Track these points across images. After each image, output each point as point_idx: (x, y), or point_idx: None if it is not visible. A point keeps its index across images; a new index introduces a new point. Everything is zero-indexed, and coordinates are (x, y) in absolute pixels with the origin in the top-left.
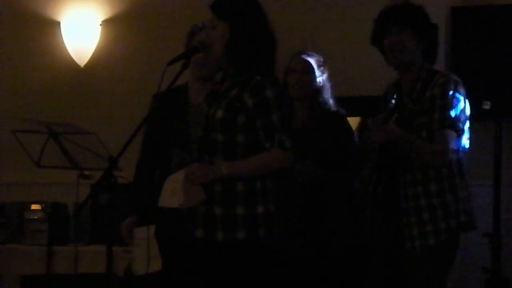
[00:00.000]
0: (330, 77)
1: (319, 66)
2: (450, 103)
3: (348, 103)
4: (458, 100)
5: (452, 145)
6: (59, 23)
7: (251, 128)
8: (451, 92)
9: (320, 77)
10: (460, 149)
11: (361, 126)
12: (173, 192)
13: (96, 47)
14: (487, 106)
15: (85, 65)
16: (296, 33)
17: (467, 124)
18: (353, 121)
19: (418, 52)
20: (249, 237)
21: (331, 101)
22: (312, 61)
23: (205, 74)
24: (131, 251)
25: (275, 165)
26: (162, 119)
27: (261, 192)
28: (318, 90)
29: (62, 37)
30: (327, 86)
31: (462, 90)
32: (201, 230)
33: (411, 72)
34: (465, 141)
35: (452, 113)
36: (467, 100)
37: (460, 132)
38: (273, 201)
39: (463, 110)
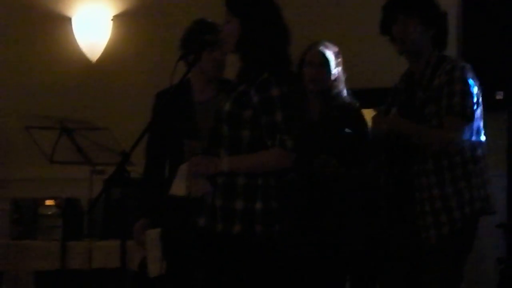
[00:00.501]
0: (345, 69)
1: (336, 57)
2: (457, 90)
3: (362, 95)
4: (465, 86)
5: (461, 132)
6: (70, 19)
7: (257, 124)
8: (457, 78)
9: (336, 69)
10: (473, 135)
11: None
12: (181, 181)
13: (108, 42)
14: (500, 96)
15: (97, 61)
16: (308, 25)
17: (479, 112)
18: (368, 113)
19: (427, 39)
20: (244, 231)
21: (345, 93)
22: (329, 53)
23: (211, 75)
24: (145, 252)
25: (275, 164)
26: (168, 117)
27: (262, 188)
28: (333, 82)
29: (73, 33)
30: (342, 78)
31: (469, 75)
32: (204, 219)
33: (420, 60)
34: (479, 124)
35: (460, 99)
36: (476, 85)
37: (470, 117)
38: (276, 198)
39: (472, 95)
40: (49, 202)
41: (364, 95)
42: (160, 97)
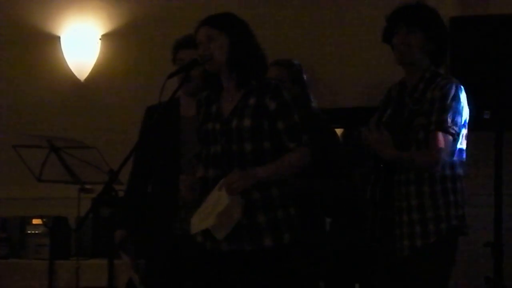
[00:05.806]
0: (314, 87)
1: (291, 73)
2: (449, 106)
3: (332, 115)
4: (457, 104)
5: (446, 148)
6: (59, 38)
7: (274, 132)
8: (451, 95)
9: (297, 85)
10: (455, 154)
11: (345, 137)
12: (232, 206)
13: (96, 61)
14: (487, 115)
15: (86, 79)
16: (281, 45)
17: (464, 131)
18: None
19: (425, 53)
20: (292, 241)
21: (312, 105)
22: (284, 70)
23: (191, 90)
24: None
25: (302, 163)
26: (155, 132)
27: (290, 195)
28: (296, 96)
29: (62, 52)
30: (306, 92)
31: (462, 94)
32: (227, 243)
33: (416, 72)
34: (462, 145)
35: (450, 116)
36: (466, 105)
37: (456, 136)
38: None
39: (461, 114)
40: (36, 221)
41: (334, 114)
42: (150, 112)
